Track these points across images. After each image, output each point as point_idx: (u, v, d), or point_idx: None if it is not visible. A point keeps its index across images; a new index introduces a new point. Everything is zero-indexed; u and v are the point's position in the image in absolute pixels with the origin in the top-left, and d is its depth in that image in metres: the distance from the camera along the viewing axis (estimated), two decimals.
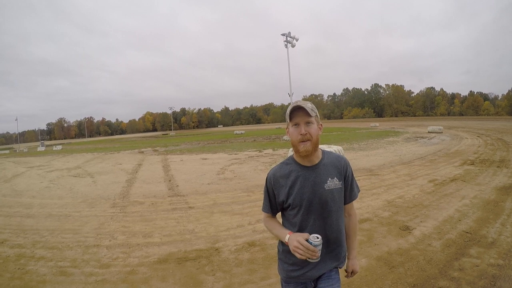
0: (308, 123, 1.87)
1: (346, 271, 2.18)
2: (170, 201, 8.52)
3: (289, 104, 1.93)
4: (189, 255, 4.88)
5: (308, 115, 1.85)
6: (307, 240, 1.77)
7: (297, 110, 1.85)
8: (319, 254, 1.79)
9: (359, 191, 2.18)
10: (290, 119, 1.88)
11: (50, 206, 8.62)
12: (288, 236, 1.87)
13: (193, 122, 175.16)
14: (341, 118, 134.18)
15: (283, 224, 2.06)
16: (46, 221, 7.19)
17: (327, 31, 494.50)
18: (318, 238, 1.78)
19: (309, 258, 1.78)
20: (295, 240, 1.79)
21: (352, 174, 2.11)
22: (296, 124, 1.88)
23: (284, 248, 2.01)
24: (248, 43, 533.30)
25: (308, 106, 1.86)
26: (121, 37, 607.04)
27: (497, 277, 3.84)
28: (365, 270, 4.20)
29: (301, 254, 1.75)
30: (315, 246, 1.75)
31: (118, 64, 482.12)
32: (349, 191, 2.08)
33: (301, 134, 1.85)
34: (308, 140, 1.85)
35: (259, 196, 8.29)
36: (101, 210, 7.82)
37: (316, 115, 1.91)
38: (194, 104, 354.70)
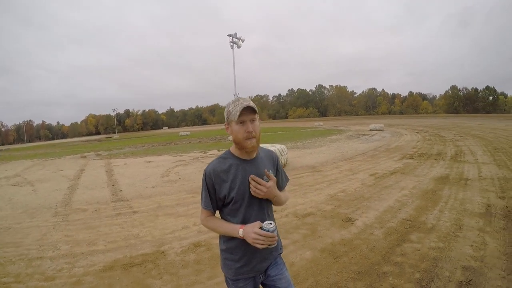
0: (253, 120, 1.92)
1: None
2: (113, 206, 8.37)
3: (231, 102, 1.95)
4: (135, 260, 4.88)
5: (254, 112, 1.92)
6: (261, 228, 1.82)
7: (245, 109, 1.88)
8: (277, 237, 1.89)
9: (288, 179, 2.36)
10: (237, 117, 1.87)
11: None
12: (241, 230, 1.88)
13: (137, 124, 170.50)
14: (286, 118, 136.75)
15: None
16: None
17: (278, 31, 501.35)
18: (271, 224, 1.84)
19: (269, 245, 1.84)
20: (252, 232, 1.82)
21: (281, 165, 2.28)
22: (242, 122, 1.90)
23: (228, 245, 2.03)
24: (196, 40, 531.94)
25: (252, 104, 1.92)
26: (62, 31, 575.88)
27: (438, 259, 4.19)
28: (310, 262, 4.40)
29: (262, 244, 1.79)
30: (272, 231, 1.81)
31: (58, 62, 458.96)
32: (280, 179, 2.23)
33: (248, 132, 1.89)
34: (254, 137, 1.91)
35: None
36: (42, 220, 7.52)
37: (257, 111, 1.99)
38: (138, 105, 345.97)
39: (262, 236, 1.79)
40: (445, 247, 4.54)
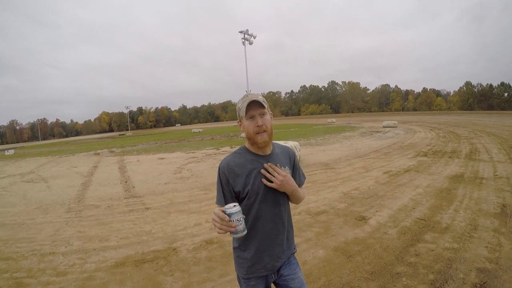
0: (262, 114, 1.91)
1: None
2: (126, 202, 8.42)
3: (240, 99, 1.96)
4: (147, 256, 4.89)
5: (262, 106, 1.90)
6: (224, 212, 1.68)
7: (252, 103, 1.88)
8: (240, 227, 1.69)
9: (305, 177, 2.32)
10: (245, 112, 1.88)
11: (3, 215, 8.24)
12: None
13: (150, 122, 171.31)
14: (299, 114, 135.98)
15: None
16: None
17: (289, 27, 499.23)
18: (235, 205, 1.69)
19: (231, 233, 1.69)
20: (212, 212, 1.74)
21: (298, 162, 2.24)
22: (252, 117, 1.89)
23: (240, 243, 2.00)
24: (207, 38, 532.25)
25: (260, 98, 1.91)
26: (73, 30, 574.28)
27: (453, 260, 4.11)
28: (323, 261, 4.36)
29: (219, 228, 1.68)
30: (230, 214, 1.66)
31: (70, 60, 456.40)
32: (297, 176, 2.19)
33: (258, 126, 1.87)
34: (265, 131, 1.89)
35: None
36: (56, 216, 7.61)
37: (268, 106, 1.97)
38: (151, 102, 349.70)
39: (217, 217, 1.68)
40: (459, 248, 4.46)
